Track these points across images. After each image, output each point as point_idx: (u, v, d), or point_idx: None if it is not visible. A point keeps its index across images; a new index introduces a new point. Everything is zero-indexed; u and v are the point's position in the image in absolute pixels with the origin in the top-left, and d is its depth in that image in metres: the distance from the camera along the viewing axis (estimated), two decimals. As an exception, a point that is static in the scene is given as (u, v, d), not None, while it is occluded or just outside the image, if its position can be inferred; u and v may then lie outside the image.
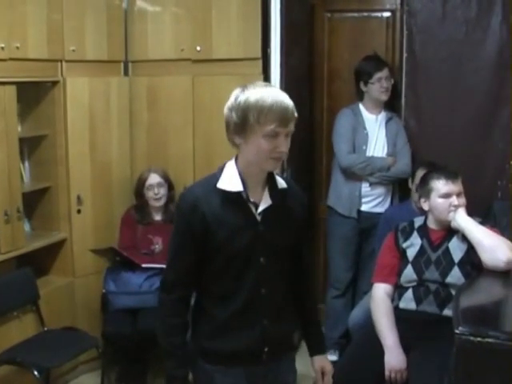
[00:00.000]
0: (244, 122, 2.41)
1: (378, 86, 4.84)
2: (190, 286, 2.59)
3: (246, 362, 2.59)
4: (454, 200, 3.63)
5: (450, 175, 3.68)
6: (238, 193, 2.50)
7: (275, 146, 2.41)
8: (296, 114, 2.46)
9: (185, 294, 2.59)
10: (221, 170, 2.56)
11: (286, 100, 2.42)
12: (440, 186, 3.67)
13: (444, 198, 3.66)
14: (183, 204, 2.54)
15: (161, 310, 2.59)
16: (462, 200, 3.66)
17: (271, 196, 2.57)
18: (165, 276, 2.62)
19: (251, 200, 2.53)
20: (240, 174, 2.51)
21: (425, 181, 3.82)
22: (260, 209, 2.54)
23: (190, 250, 2.52)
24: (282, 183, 2.64)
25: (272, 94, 2.42)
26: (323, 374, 2.83)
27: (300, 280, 2.80)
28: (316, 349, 2.87)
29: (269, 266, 2.56)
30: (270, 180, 2.59)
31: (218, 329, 2.57)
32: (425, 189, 3.77)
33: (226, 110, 2.49)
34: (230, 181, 2.50)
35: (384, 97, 4.87)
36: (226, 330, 2.56)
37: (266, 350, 2.59)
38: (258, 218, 2.53)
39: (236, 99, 2.44)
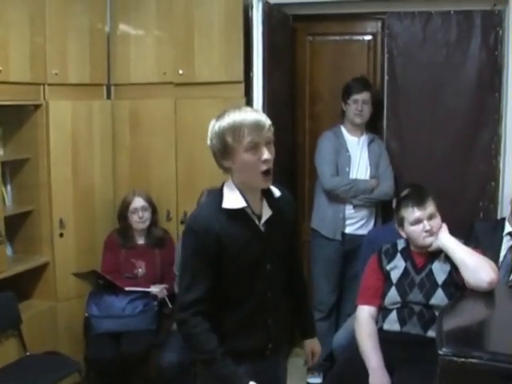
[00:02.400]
0: (224, 145, 2.60)
1: (354, 107, 4.87)
2: (207, 302, 2.66)
3: (253, 359, 2.77)
4: (426, 225, 3.62)
5: (417, 201, 3.67)
6: (243, 209, 2.68)
7: (259, 157, 2.58)
8: (270, 122, 2.64)
9: (203, 309, 2.66)
10: (220, 191, 2.72)
11: (256, 114, 2.65)
12: (408, 214, 3.67)
13: (415, 225, 3.67)
14: (197, 227, 2.65)
15: (183, 327, 2.68)
16: (435, 222, 3.65)
17: (270, 206, 2.77)
18: (183, 298, 2.68)
19: (256, 213, 2.72)
20: (240, 191, 2.68)
21: (397, 209, 3.83)
22: (263, 220, 2.74)
23: (207, 270, 2.64)
24: (276, 192, 2.82)
25: (242, 113, 2.62)
26: (313, 354, 3.22)
27: (293, 272, 3.02)
28: (308, 333, 3.21)
29: (274, 271, 2.78)
30: (266, 190, 2.77)
31: (229, 331, 2.72)
32: (398, 218, 3.79)
33: (208, 142, 2.67)
34: (232, 199, 2.67)
35: (358, 120, 4.89)
36: (237, 331, 2.74)
37: (270, 346, 2.82)
38: (262, 228, 2.74)
39: (213, 129, 2.64)
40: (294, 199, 5.01)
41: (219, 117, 2.66)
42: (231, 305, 2.73)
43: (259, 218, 2.74)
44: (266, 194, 2.78)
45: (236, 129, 2.57)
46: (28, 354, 4.44)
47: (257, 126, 2.58)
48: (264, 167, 2.60)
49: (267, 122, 2.64)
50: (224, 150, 2.61)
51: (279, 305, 2.85)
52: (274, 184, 2.78)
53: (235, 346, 2.71)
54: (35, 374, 4.21)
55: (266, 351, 2.83)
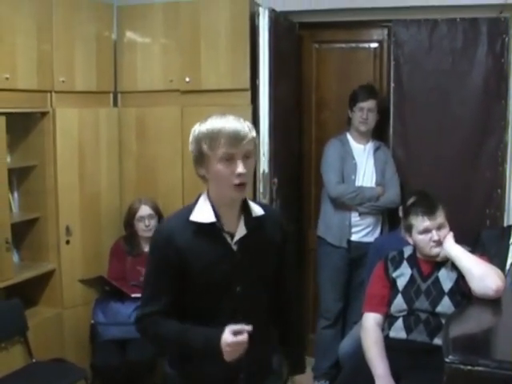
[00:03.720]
0: (200, 152, 2.51)
1: (359, 115, 4.87)
2: (162, 305, 2.56)
3: None
4: (434, 235, 3.62)
5: (427, 211, 3.66)
6: (211, 224, 2.54)
7: (232, 170, 2.46)
8: (252, 135, 2.52)
9: (158, 310, 2.56)
10: (195, 201, 2.62)
11: (237, 123, 2.49)
12: (418, 222, 3.66)
13: (423, 234, 3.66)
14: (158, 237, 2.60)
15: (144, 331, 2.64)
16: (444, 232, 3.64)
17: (246, 224, 2.60)
18: (141, 310, 2.62)
19: (225, 230, 2.57)
20: (212, 205, 2.56)
21: (405, 216, 3.82)
22: (236, 238, 2.58)
23: (169, 284, 2.55)
24: (257, 210, 2.67)
25: (223, 120, 2.50)
26: None
27: (283, 308, 2.86)
28: (295, 368, 3.02)
29: (245, 294, 2.59)
30: (245, 208, 2.63)
31: (193, 354, 2.58)
32: (406, 224, 3.78)
33: (189, 148, 2.59)
34: (202, 212, 2.55)
35: (363, 127, 4.89)
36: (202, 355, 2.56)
37: (241, 376, 2.61)
38: (234, 247, 2.58)
39: (193, 133, 2.56)
40: (298, 208, 5.06)
41: (202, 122, 2.56)
42: (196, 322, 2.54)
43: (232, 236, 2.58)
44: (245, 210, 2.63)
45: (213, 137, 2.46)
46: (34, 360, 4.44)
47: (235, 137, 2.45)
48: (236, 181, 2.46)
49: (250, 133, 2.50)
50: (199, 156, 2.52)
51: (256, 333, 2.48)
52: (261, 202, 2.72)
53: (198, 371, 2.58)
54: (41, 381, 4.22)
55: (239, 382, 2.61)
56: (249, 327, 2.45)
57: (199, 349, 2.50)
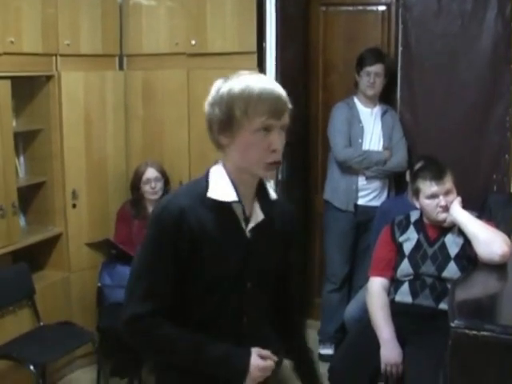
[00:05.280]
0: (229, 117, 2.05)
1: (366, 79, 4.83)
2: (164, 302, 2.11)
3: None
4: (441, 201, 3.61)
5: (435, 176, 3.65)
6: (230, 205, 2.12)
7: (269, 143, 2.04)
8: (290, 105, 2.11)
9: (159, 308, 2.10)
10: (206, 175, 2.19)
11: (277, 88, 2.09)
12: (425, 187, 3.65)
13: (431, 199, 3.65)
14: (166, 217, 2.07)
15: (140, 335, 2.11)
16: (451, 198, 3.63)
17: (263, 209, 2.21)
18: (135, 309, 2.08)
19: (246, 213, 2.17)
20: (232, 181, 2.13)
21: (413, 180, 3.81)
22: (251, 225, 2.17)
23: (172, 276, 2.09)
24: (272, 194, 2.28)
25: (260, 81, 2.08)
26: None
27: (282, 305, 2.47)
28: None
29: (255, 292, 2.21)
30: (261, 189, 2.23)
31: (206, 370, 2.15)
32: (414, 188, 3.77)
33: (206, 107, 2.14)
34: (221, 189, 2.12)
35: (369, 91, 4.86)
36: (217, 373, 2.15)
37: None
38: (248, 235, 2.17)
39: (218, 92, 2.10)
40: (305, 171, 5.03)
41: (228, 79, 2.10)
42: (195, 326, 2.13)
43: (247, 220, 2.17)
44: (261, 192, 2.23)
45: (251, 100, 2.02)
46: (42, 324, 4.48)
47: (277, 106, 2.06)
48: (271, 158, 2.06)
49: (288, 103, 2.10)
50: (227, 122, 2.06)
51: (261, 336, 2.25)
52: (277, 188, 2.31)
53: (198, 378, 2.14)
54: (49, 344, 4.26)
55: None
56: (275, 357, 2.18)
57: (218, 367, 2.12)
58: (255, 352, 2.13)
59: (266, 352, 2.17)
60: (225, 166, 2.15)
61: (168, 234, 2.06)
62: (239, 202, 2.12)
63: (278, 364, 2.30)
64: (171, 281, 2.08)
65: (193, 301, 2.14)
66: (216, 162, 2.20)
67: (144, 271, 2.10)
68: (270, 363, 2.16)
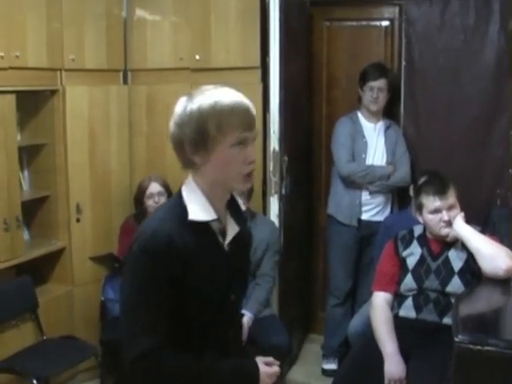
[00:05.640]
0: (203, 135, 2.00)
1: (369, 94, 4.84)
2: (168, 333, 2.03)
3: None
4: (444, 215, 3.61)
5: (438, 191, 3.64)
6: (208, 222, 2.10)
7: (245, 156, 2.03)
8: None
9: (165, 340, 2.02)
10: (179, 196, 2.13)
11: (245, 100, 2.07)
12: (428, 202, 3.65)
13: (434, 214, 3.65)
14: (156, 246, 2.00)
15: (149, 370, 2.02)
16: (455, 213, 3.63)
17: (237, 221, 2.22)
18: (144, 344, 1.99)
19: (223, 230, 2.16)
20: (207, 199, 2.10)
21: (416, 195, 3.81)
22: (229, 238, 2.17)
23: (170, 304, 2.03)
24: (242, 204, 2.33)
25: (228, 95, 2.05)
26: None
27: None
28: None
29: (237, 303, 2.27)
30: (231, 201, 2.22)
31: None
32: (417, 203, 3.77)
33: (173, 127, 2.09)
34: (199, 209, 2.08)
35: (373, 107, 4.86)
36: None
37: None
38: (226, 248, 2.16)
39: (185, 110, 2.04)
40: (309, 186, 5.05)
41: (195, 95, 2.06)
42: (184, 343, 2.09)
43: (223, 235, 2.16)
44: (232, 205, 2.23)
45: (223, 115, 1.99)
46: (45, 337, 4.47)
47: (250, 117, 2.04)
48: (247, 170, 2.05)
49: (255, 114, 2.09)
50: (200, 140, 2.00)
51: (240, 349, 2.30)
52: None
53: None
54: (52, 358, 4.25)
55: None
56: (277, 361, 2.28)
57: (232, 383, 2.14)
58: (260, 361, 2.20)
59: (270, 359, 2.24)
60: (197, 184, 2.11)
61: (161, 264, 1.99)
62: (218, 219, 2.11)
63: None
64: (169, 312, 2.02)
65: (184, 319, 2.08)
66: (185, 181, 2.16)
67: (143, 307, 2.01)
68: (276, 369, 2.23)
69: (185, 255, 2.01)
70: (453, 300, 3.46)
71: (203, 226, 2.08)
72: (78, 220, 4.82)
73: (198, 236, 2.06)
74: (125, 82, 5.21)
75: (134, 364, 2.01)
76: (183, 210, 2.07)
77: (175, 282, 2.00)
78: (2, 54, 4.15)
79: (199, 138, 2.01)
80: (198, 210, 2.07)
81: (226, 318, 2.18)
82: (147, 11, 5.09)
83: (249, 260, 2.38)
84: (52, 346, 4.42)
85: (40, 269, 4.79)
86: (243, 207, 2.31)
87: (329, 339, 5.13)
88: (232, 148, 2.01)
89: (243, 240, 2.25)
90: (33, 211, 4.82)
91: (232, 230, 2.18)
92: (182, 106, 2.06)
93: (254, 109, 2.09)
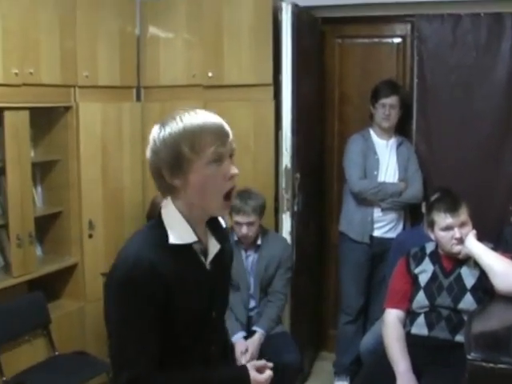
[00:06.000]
0: (178, 157, 2.02)
1: (381, 111, 4.85)
2: (156, 355, 2.05)
3: None
4: (456, 233, 3.60)
5: (450, 208, 3.65)
6: (190, 244, 2.12)
7: (223, 172, 2.05)
8: (231, 131, 2.11)
9: (154, 362, 2.04)
10: (158, 222, 2.14)
11: (216, 117, 2.09)
12: (440, 219, 3.65)
13: (445, 231, 3.65)
14: (139, 275, 1.99)
15: None
16: (466, 230, 3.63)
17: (218, 239, 2.23)
18: (134, 368, 2.00)
19: (203, 247, 2.17)
20: (187, 221, 2.11)
21: (428, 212, 3.81)
22: (210, 257, 2.18)
23: (157, 326, 2.03)
24: (223, 222, 2.33)
25: (197, 116, 2.07)
26: None
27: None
28: None
29: (219, 320, 2.28)
30: (211, 219, 2.22)
31: None
32: (429, 220, 3.77)
33: (149, 155, 2.11)
34: (179, 232, 2.10)
35: (385, 123, 4.87)
36: None
37: None
38: (208, 267, 2.17)
39: (158, 137, 2.07)
40: (321, 203, 5.03)
41: (166, 122, 2.07)
42: (170, 360, 2.10)
43: (205, 254, 2.17)
44: (212, 223, 2.24)
45: (195, 134, 2.01)
46: (57, 353, 4.47)
47: (222, 133, 2.06)
48: (228, 186, 2.07)
49: (229, 131, 2.10)
50: (176, 163, 2.02)
51: (223, 363, 2.29)
52: None
53: None
54: (63, 374, 4.25)
55: None
56: (271, 364, 2.29)
57: None
58: (251, 367, 2.21)
59: (261, 362, 2.26)
60: (177, 207, 2.12)
61: (145, 292, 1.99)
62: (198, 241, 2.13)
63: None
64: (156, 335, 2.02)
65: (169, 339, 2.07)
66: (158, 200, 2.17)
67: (129, 332, 2.01)
68: (268, 373, 2.24)
69: (168, 279, 2.01)
70: (465, 317, 3.45)
71: (184, 248, 2.09)
72: (90, 236, 4.83)
73: (179, 259, 2.07)
74: (138, 98, 5.24)
75: None
76: (164, 234, 2.08)
77: (160, 306, 2.01)
78: (17, 71, 4.18)
79: (175, 161, 2.03)
80: (179, 233, 2.09)
81: (208, 335, 2.19)
82: (160, 29, 5.12)
83: (229, 276, 2.41)
84: (64, 361, 4.42)
85: (52, 284, 4.79)
86: (224, 224, 2.32)
87: (340, 357, 5.11)
88: (208, 166, 2.02)
89: (224, 257, 2.27)
90: (46, 227, 4.83)
91: (213, 248, 2.20)
92: (156, 133, 2.08)
93: (227, 126, 2.10)
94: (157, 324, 2.01)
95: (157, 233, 2.10)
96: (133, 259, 2.02)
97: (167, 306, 2.02)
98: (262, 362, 2.25)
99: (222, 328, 2.35)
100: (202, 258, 2.16)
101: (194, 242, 2.11)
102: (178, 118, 2.05)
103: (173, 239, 2.07)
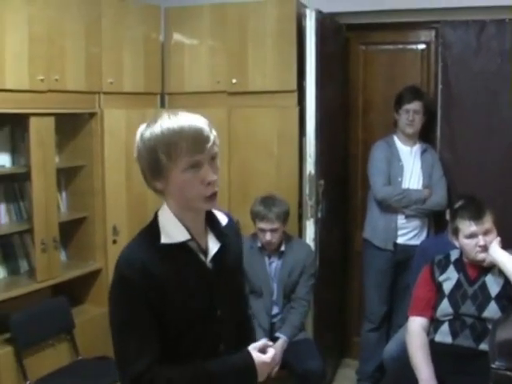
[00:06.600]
0: (156, 162, 2.03)
1: (405, 117, 4.83)
2: (156, 351, 2.06)
3: None
4: (480, 240, 3.59)
5: (475, 215, 3.63)
6: (185, 243, 2.13)
7: (201, 178, 2.03)
8: (214, 133, 2.09)
9: (154, 358, 2.05)
10: (154, 223, 2.18)
11: (196, 122, 2.05)
12: (464, 226, 3.64)
13: (469, 239, 3.63)
14: (128, 273, 2.04)
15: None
16: (491, 238, 3.61)
17: (217, 237, 2.23)
18: (134, 367, 2.04)
19: (202, 246, 2.18)
20: (180, 220, 2.13)
21: (453, 219, 3.80)
22: (210, 255, 2.18)
23: (154, 325, 2.06)
24: (223, 218, 2.32)
25: (178, 120, 2.04)
26: None
27: (244, 326, 2.46)
28: None
29: (225, 318, 2.23)
30: (210, 218, 2.24)
31: None
32: (453, 227, 3.75)
33: (135, 155, 2.12)
34: (171, 232, 2.12)
35: (409, 130, 4.85)
36: None
37: None
38: (209, 265, 2.17)
39: (141, 139, 2.08)
40: (345, 210, 5.01)
41: (150, 123, 2.08)
42: (177, 358, 2.11)
43: (205, 252, 2.18)
44: (211, 221, 2.24)
45: (171, 143, 1.99)
46: (80, 358, 4.51)
47: (199, 140, 2.02)
48: (208, 191, 2.06)
49: (212, 132, 2.08)
50: (155, 168, 2.04)
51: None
52: (218, 208, 2.27)
53: None
54: (86, 379, 4.28)
55: None
56: (270, 342, 2.28)
57: (231, 380, 2.15)
58: (253, 349, 2.19)
59: (261, 343, 2.23)
60: (169, 207, 2.15)
61: (137, 289, 2.03)
62: (192, 239, 2.13)
63: None
64: (155, 330, 2.05)
65: (172, 339, 2.10)
66: (162, 205, 2.20)
67: (128, 332, 2.07)
68: (271, 351, 2.22)
69: (160, 278, 2.04)
70: (489, 326, 3.42)
71: (179, 246, 2.11)
72: (114, 241, 4.85)
73: (173, 257, 2.09)
74: (162, 105, 5.25)
75: None
76: (157, 235, 2.12)
77: (155, 304, 2.04)
78: (42, 78, 4.23)
79: (154, 166, 2.04)
80: (171, 232, 2.11)
81: (215, 333, 2.19)
82: (184, 35, 5.14)
83: (237, 273, 2.38)
84: (87, 366, 4.45)
85: (76, 290, 4.83)
86: (223, 222, 2.30)
87: (364, 364, 5.10)
88: (185, 172, 2.02)
89: (228, 254, 2.26)
90: (70, 232, 4.87)
91: (213, 246, 2.20)
92: (140, 134, 2.09)
93: (210, 128, 2.08)
94: (154, 322, 2.04)
95: (150, 233, 2.15)
96: (126, 259, 2.08)
97: (163, 305, 2.04)
98: (262, 342, 2.23)
99: (233, 326, 2.31)
100: (202, 257, 2.17)
101: (188, 241, 2.12)
102: (159, 121, 2.05)
103: (164, 239, 2.10)
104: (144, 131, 2.07)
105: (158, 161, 2.02)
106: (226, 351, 2.21)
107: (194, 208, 2.12)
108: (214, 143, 2.07)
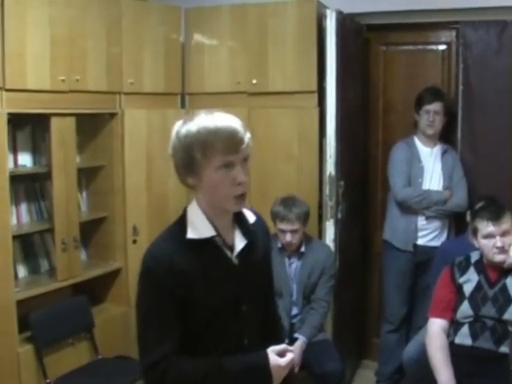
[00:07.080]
0: (190, 159, 2.11)
1: (425, 118, 4.81)
2: (175, 343, 2.13)
3: None
4: (497, 241, 3.57)
5: (493, 216, 3.62)
6: (212, 239, 2.19)
7: (232, 178, 2.10)
8: (248, 135, 2.16)
9: (172, 349, 2.12)
10: (182, 218, 2.23)
11: (232, 123, 2.12)
12: (482, 227, 3.63)
13: (487, 239, 3.61)
14: (154, 266, 2.12)
15: (161, 378, 2.10)
16: (509, 239, 3.60)
17: (244, 234, 2.28)
18: (153, 355, 2.11)
19: (227, 243, 2.23)
20: (207, 217, 2.20)
21: (472, 220, 3.79)
22: (236, 251, 2.24)
23: (176, 317, 2.12)
24: (250, 216, 2.35)
25: (215, 119, 2.11)
26: None
27: (268, 318, 2.48)
28: None
29: (250, 314, 2.28)
30: (239, 215, 2.29)
31: None
32: (472, 228, 3.75)
33: (170, 151, 2.19)
34: (198, 227, 2.18)
35: (429, 130, 4.83)
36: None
37: None
38: (235, 261, 2.23)
39: (177, 135, 2.15)
40: (365, 211, 4.99)
41: (186, 121, 2.14)
42: (199, 352, 2.17)
43: (231, 248, 2.23)
44: (239, 218, 2.29)
45: (207, 142, 2.06)
46: (100, 357, 4.53)
47: (233, 141, 2.09)
48: (238, 191, 2.13)
49: (246, 134, 2.15)
50: (189, 164, 2.11)
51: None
52: (248, 207, 2.31)
53: None
54: (106, 378, 4.30)
55: None
56: (291, 347, 2.26)
57: (244, 379, 2.15)
58: (271, 351, 2.18)
59: (281, 347, 2.22)
60: (199, 204, 2.22)
61: (163, 283, 2.10)
62: (218, 235, 2.19)
63: None
64: (176, 323, 2.12)
65: (196, 333, 2.17)
66: (192, 200, 2.25)
67: (150, 322, 2.14)
68: (290, 356, 2.20)
69: (187, 272, 2.11)
70: (510, 328, 3.41)
71: (205, 242, 2.18)
72: (134, 241, 4.87)
73: (199, 252, 2.16)
74: (182, 105, 5.27)
75: (145, 376, 2.15)
76: (184, 230, 2.18)
77: (180, 297, 2.11)
78: (63, 78, 4.25)
79: (188, 162, 2.12)
80: (197, 228, 2.18)
81: (240, 328, 2.24)
82: (205, 36, 5.15)
83: (264, 270, 2.42)
84: (106, 365, 4.47)
85: (96, 289, 4.85)
86: (251, 220, 2.34)
87: (383, 365, 5.08)
88: (217, 171, 2.09)
89: (256, 251, 2.31)
90: (90, 232, 4.90)
91: (240, 242, 2.26)
92: (176, 130, 2.17)
93: (244, 130, 2.15)
94: (176, 316, 2.11)
95: (177, 228, 2.21)
96: (152, 253, 2.17)
97: (187, 298, 2.11)
98: (283, 346, 2.23)
99: (258, 322, 2.34)
100: (228, 253, 2.22)
101: (214, 237, 2.19)
102: (195, 120, 2.11)
103: (190, 234, 2.17)
104: (180, 128, 2.14)
105: (193, 158, 2.09)
106: (250, 347, 2.25)
107: (221, 207, 2.17)
108: (247, 145, 2.14)
